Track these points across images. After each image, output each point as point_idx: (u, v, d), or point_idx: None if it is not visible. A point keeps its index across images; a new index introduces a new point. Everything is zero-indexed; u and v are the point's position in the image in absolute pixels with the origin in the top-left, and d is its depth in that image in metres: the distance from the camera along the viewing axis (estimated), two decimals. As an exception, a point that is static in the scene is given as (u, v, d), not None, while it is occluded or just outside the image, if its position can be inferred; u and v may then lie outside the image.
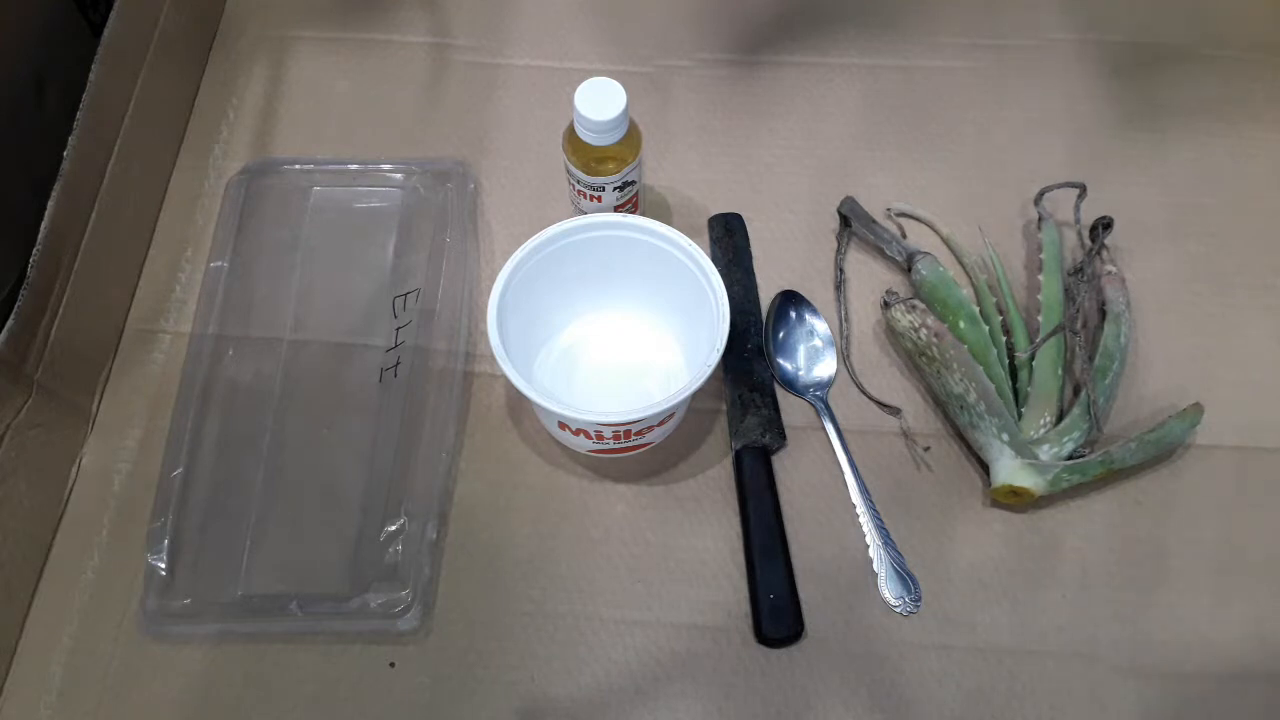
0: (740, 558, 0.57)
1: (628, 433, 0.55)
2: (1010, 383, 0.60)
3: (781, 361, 0.63)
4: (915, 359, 0.61)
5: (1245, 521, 0.58)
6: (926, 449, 0.60)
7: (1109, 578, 0.57)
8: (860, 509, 0.58)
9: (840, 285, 0.65)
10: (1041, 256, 0.64)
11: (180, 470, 0.57)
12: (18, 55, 0.61)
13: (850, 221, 0.66)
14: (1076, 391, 0.60)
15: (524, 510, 0.59)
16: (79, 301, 0.59)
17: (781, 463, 0.60)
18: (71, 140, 0.58)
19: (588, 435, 0.55)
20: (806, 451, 0.60)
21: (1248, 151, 0.70)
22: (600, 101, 0.56)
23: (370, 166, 0.68)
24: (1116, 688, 0.54)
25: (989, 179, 0.69)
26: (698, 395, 0.54)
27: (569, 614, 0.56)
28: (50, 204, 0.56)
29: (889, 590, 0.56)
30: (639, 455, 0.59)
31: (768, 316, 0.64)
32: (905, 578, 0.56)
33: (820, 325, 0.64)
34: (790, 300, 0.64)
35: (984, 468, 0.59)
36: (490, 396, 0.62)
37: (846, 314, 0.64)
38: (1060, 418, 0.59)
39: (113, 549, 0.57)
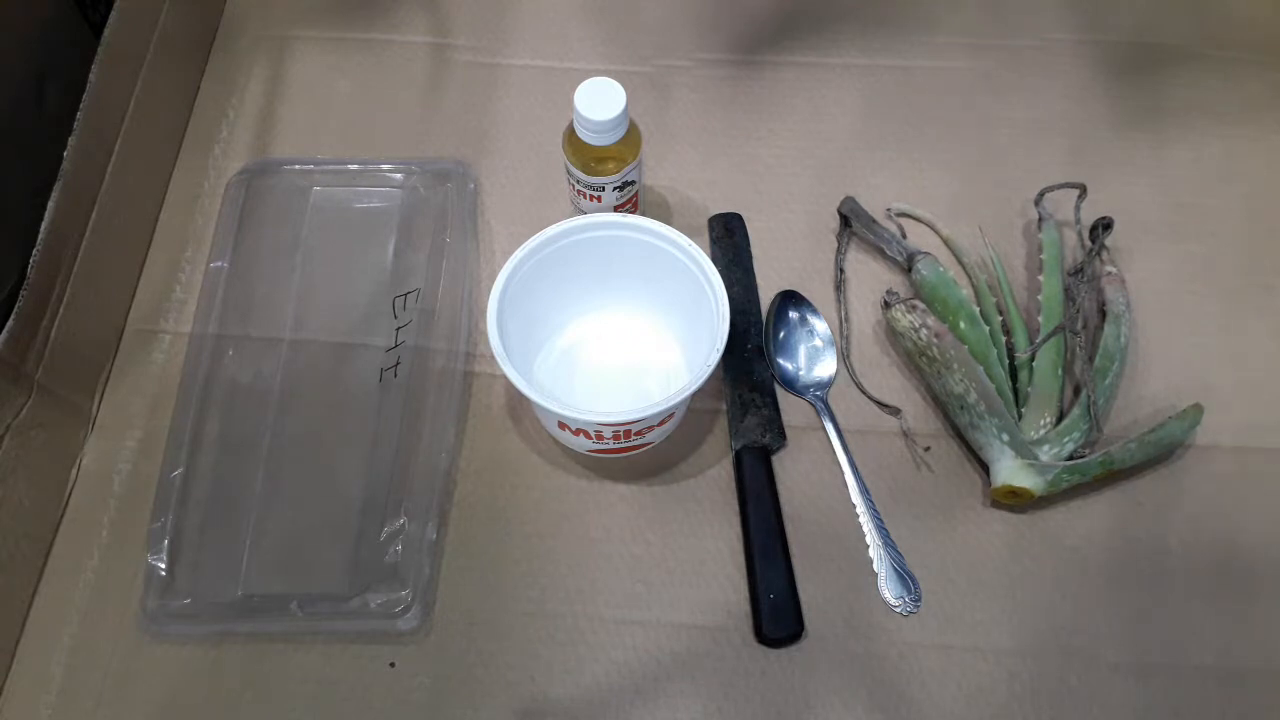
0: (740, 558, 0.57)
1: (628, 433, 0.55)
2: (1010, 383, 0.60)
3: (781, 361, 0.63)
4: (915, 359, 0.61)
5: (1245, 521, 0.58)
6: (926, 449, 0.60)
7: (1109, 578, 0.57)
8: (860, 509, 0.58)
9: (840, 285, 0.65)
10: (1041, 257, 0.64)
11: (180, 470, 0.57)
12: (18, 55, 0.61)
13: (850, 221, 0.66)
14: (1076, 392, 0.60)
15: (524, 510, 0.59)
16: (79, 301, 0.59)
17: (781, 463, 0.60)
18: (71, 140, 0.58)
19: (588, 435, 0.55)
20: (806, 451, 0.60)
21: (1248, 151, 0.70)
22: (600, 101, 0.56)
23: (370, 166, 0.68)
24: (1116, 688, 0.54)
25: (989, 179, 0.69)
26: (698, 395, 0.54)
27: (569, 614, 0.56)
28: (50, 204, 0.56)
29: (889, 590, 0.56)
30: (639, 455, 0.59)
31: (768, 316, 0.64)
32: (905, 578, 0.56)
33: (820, 325, 0.64)
34: (790, 300, 0.64)
35: (984, 468, 0.59)
36: (490, 396, 0.62)
37: (846, 314, 0.64)
38: (1060, 418, 0.59)
39: (113, 549, 0.57)
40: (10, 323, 0.54)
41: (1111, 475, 0.58)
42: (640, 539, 0.58)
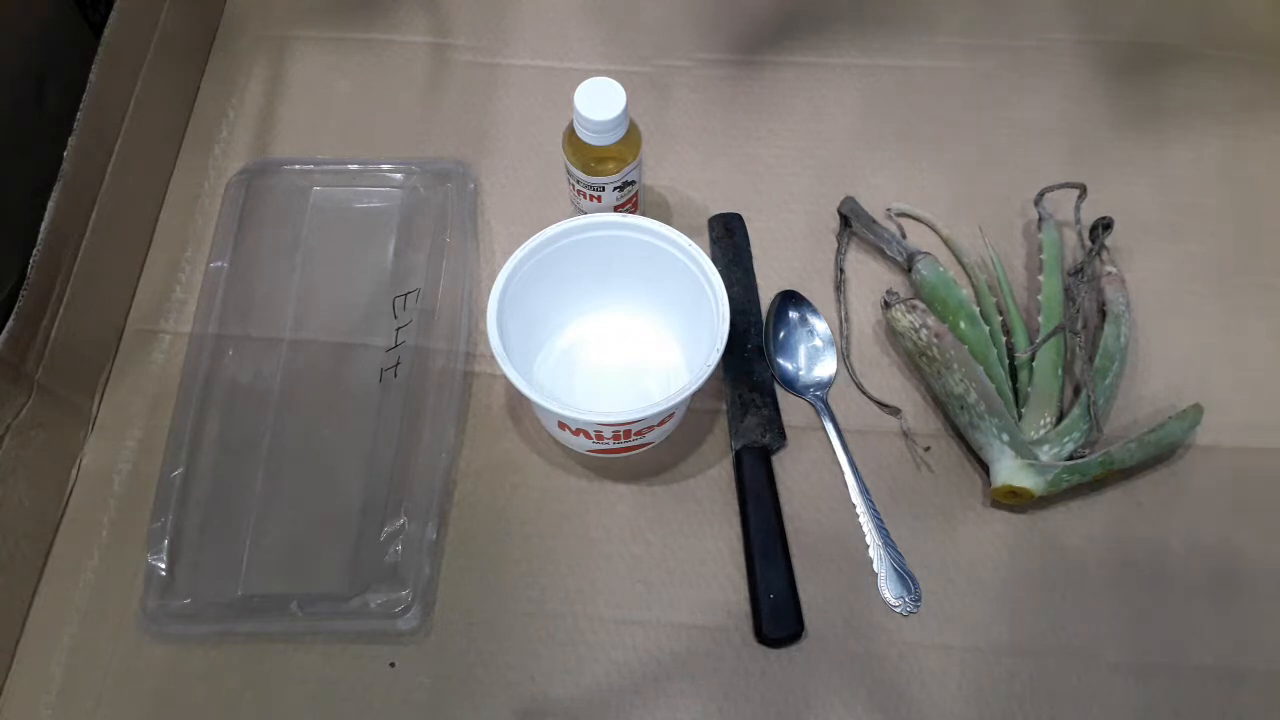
0: (740, 558, 0.57)
1: (628, 433, 0.55)
2: (1010, 383, 0.60)
3: (781, 361, 0.63)
4: (915, 359, 0.61)
5: (1244, 521, 0.58)
6: (926, 449, 0.60)
7: (1109, 578, 0.57)
8: (860, 509, 0.58)
9: (840, 285, 0.65)
10: (1042, 257, 0.64)
11: (180, 470, 0.57)
12: (18, 55, 0.61)
13: (850, 221, 0.66)
14: (1076, 392, 0.60)
15: (524, 510, 0.59)
16: (79, 301, 0.59)
17: (781, 463, 0.60)
18: (71, 140, 0.58)
19: (588, 435, 0.55)
20: (806, 451, 0.60)
21: (1248, 151, 0.70)
22: (600, 101, 0.56)
23: (370, 166, 0.68)
24: (1116, 688, 0.54)
25: (989, 179, 0.69)
26: (698, 395, 0.54)
27: (569, 614, 0.56)
28: (50, 204, 0.56)
29: (889, 590, 0.56)
30: (639, 455, 0.59)
31: (768, 316, 0.64)
32: (905, 578, 0.56)
33: (820, 325, 0.64)
34: (790, 300, 0.64)
35: (984, 468, 0.59)
36: (490, 396, 0.62)
37: (846, 314, 0.64)
38: (1060, 418, 0.59)
39: (113, 549, 0.57)
40: (10, 323, 0.54)
41: (1111, 475, 0.58)
42: (640, 539, 0.58)
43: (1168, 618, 0.56)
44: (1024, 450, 0.56)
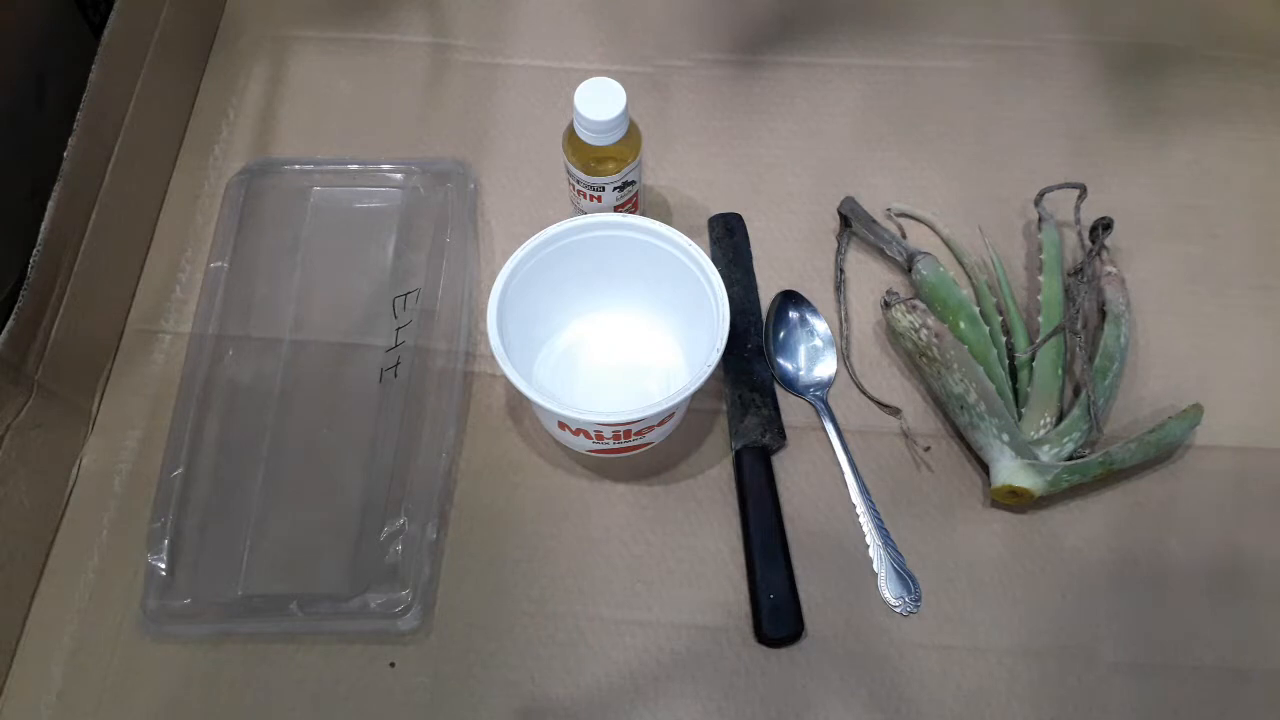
0: (740, 558, 0.57)
1: (628, 433, 0.55)
2: (1010, 383, 0.60)
3: (781, 361, 0.63)
4: (915, 359, 0.61)
5: (1244, 521, 0.58)
6: (926, 449, 0.60)
7: (1109, 578, 0.57)
8: (860, 509, 0.58)
9: (840, 285, 0.65)
10: (1042, 257, 0.64)
11: (180, 470, 0.57)
12: (18, 55, 0.61)
13: (850, 221, 0.66)
14: (1076, 392, 0.60)
15: (524, 510, 0.59)
16: (79, 301, 0.59)
17: (781, 463, 0.60)
18: (71, 140, 0.58)
19: (588, 435, 0.55)
20: (806, 451, 0.60)
21: (1248, 152, 0.70)
22: (600, 101, 0.56)
23: (370, 166, 0.68)
24: (1116, 687, 0.54)
25: (989, 179, 0.69)
26: (698, 395, 0.54)
27: (569, 614, 0.56)
28: (50, 204, 0.56)
29: (889, 590, 0.56)
30: (639, 455, 0.59)
31: (768, 316, 0.64)
32: (905, 578, 0.56)
33: (820, 325, 0.64)
34: (790, 300, 0.64)
35: (984, 468, 0.59)
36: (490, 396, 0.62)
37: (846, 314, 0.64)
38: (1060, 418, 0.59)
39: (113, 549, 0.57)
40: (10, 323, 0.54)
41: (1112, 475, 0.58)
42: (640, 539, 0.58)
43: (1168, 618, 0.56)
44: (1024, 450, 0.56)
